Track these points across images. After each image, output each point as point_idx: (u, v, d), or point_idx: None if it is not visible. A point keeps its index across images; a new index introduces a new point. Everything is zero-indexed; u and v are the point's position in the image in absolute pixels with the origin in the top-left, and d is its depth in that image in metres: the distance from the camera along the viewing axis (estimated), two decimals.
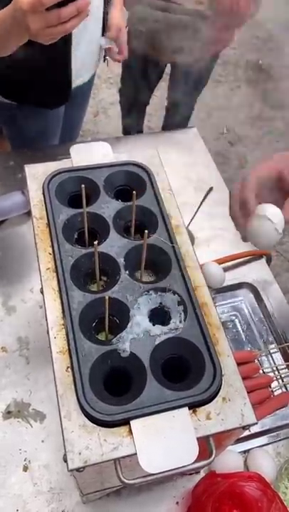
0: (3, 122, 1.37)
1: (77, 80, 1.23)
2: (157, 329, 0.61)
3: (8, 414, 0.88)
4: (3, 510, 0.79)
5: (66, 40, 1.07)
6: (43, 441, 0.86)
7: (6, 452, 0.84)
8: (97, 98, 2.76)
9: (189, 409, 0.55)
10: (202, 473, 0.83)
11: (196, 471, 0.82)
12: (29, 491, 0.81)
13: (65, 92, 1.19)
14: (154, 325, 0.61)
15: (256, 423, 0.56)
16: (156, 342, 0.59)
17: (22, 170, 0.77)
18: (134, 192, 0.66)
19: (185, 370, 0.59)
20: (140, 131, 2.28)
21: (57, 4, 0.71)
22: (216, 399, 0.56)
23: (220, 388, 0.57)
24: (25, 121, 1.30)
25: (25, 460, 0.84)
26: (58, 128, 1.43)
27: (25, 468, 0.83)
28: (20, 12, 0.73)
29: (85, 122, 2.21)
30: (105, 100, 2.76)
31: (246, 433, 0.87)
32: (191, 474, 0.84)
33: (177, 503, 0.82)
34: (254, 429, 0.89)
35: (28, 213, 1.08)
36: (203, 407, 0.55)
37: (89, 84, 1.42)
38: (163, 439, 0.53)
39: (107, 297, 0.58)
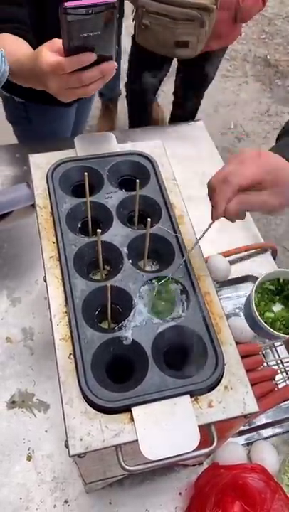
0: (14, 122, 1.36)
1: None
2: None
3: (12, 404, 0.89)
4: (7, 499, 0.80)
5: None
6: (46, 431, 0.86)
7: (10, 441, 0.85)
8: None
9: (191, 397, 0.55)
10: (205, 465, 0.83)
11: (199, 462, 0.82)
12: (33, 479, 0.82)
13: None
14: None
15: (258, 412, 0.55)
16: (159, 330, 0.59)
17: (28, 162, 0.77)
18: (137, 181, 0.66)
19: (187, 359, 0.59)
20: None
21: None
22: (217, 387, 0.56)
23: (222, 376, 0.56)
24: (37, 121, 1.29)
25: (28, 449, 0.84)
26: (69, 127, 1.42)
27: (29, 458, 0.84)
28: (40, 71, 0.68)
29: (91, 117, 2.21)
30: None
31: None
32: (194, 466, 0.84)
33: (180, 494, 0.82)
34: (257, 422, 0.89)
35: (34, 206, 1.08)
36: (205, 395, 0.55)
37: None
38: (164, 427, 0.53)
39: (109, 285, 0.58)
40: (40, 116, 1.27)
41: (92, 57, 0.64)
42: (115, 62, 0.68)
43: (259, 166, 0.60)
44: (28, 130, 1.35)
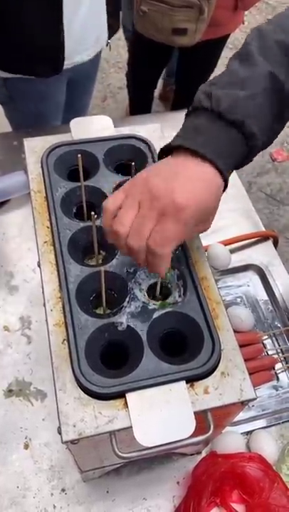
0: (1, 102, 1.35)
1: (76, 56, 1.18)
2: (155, 303, 0.59)
3: (9, 392, 0.88)
4: (4, 487, 0.79)
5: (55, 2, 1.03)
6: (43, 419, 0.86)
7: (7, 430, 0.84)
8: (105, 83, 2.73)
9: (187, 383, 0.53)
10: (203, 454, 0.82)
11: (197, 451, 0.82)
12: (30, 468, 0.81)
13: (56, 59, 1.13)
14: (152, 299, 0.60)
15: (255, 398, 0.54)
16: (154, 316, 0.58)
17: (24, 149, 0.76)
18: (132, 164, 0.65)
19: (183, 345, 0.58)
20: None
21: None
22: (214, 373, 0.55)
23: (218, 362, 0.55)
24: (20, 100, 1.27)
25: (26, 438, 0.84)
26: (57, 110, 1.39)
27: (26, 446, 0.83)
28: None
29: (92, 107, 2.19)
30: (113, 85, 2.73)
31: (249, 415, 0.87)
32: (192, 455, 0.83)
33: (178, 483, 0.81)
34: (257, 411, 0.88)
35: None
36: (201, 381, 0.54)
37: (93, 66, 1.39)
38: (159, 413, 0.51)
39: (102, 270, 0.57)
40: (21, 94, 1.25)
41: None
42: None
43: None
44: (13, 110, 1.33)
